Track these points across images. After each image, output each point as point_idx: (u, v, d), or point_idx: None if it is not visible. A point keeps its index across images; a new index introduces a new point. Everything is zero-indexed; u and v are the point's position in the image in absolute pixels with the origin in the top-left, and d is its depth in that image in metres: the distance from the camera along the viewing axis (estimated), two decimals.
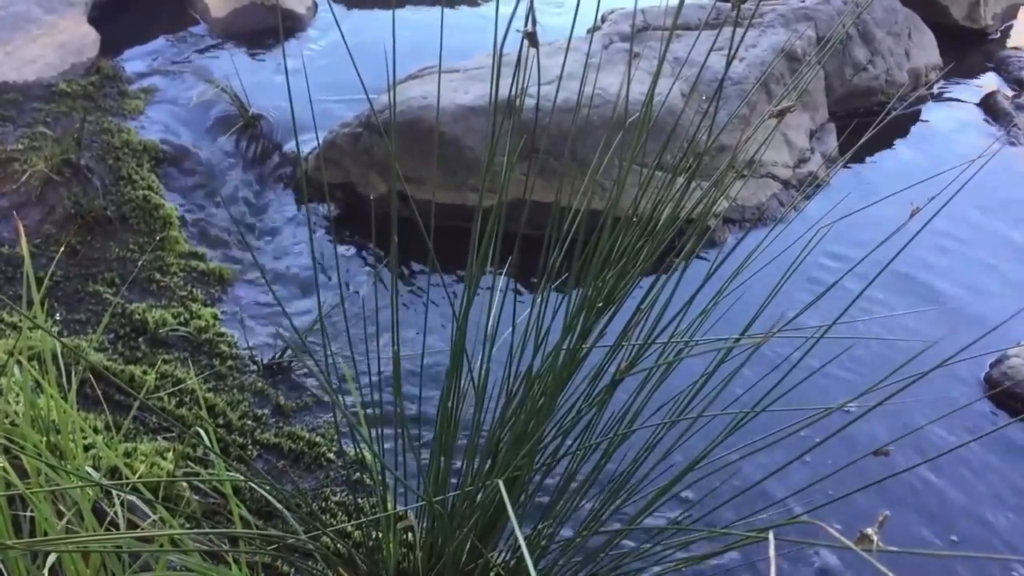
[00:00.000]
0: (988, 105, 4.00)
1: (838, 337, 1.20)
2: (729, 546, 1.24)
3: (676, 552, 1.40)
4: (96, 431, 1.78)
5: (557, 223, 1.25)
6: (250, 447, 1.96)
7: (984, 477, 2.17)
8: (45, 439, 1.35)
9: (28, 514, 1.31)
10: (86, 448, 1.57)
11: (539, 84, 1.06)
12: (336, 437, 1.99)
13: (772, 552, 0.61)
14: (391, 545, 1.48)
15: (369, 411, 1.85)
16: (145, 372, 2.04)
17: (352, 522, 1.77)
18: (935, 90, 4.18)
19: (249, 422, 2.02)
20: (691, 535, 1.42)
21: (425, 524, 1.50)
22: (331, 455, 1.98)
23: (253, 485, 1.70)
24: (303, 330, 2.39)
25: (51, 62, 3.21)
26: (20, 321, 1.96)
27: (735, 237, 2.96)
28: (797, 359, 1.24)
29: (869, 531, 0.67)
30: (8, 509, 1.25)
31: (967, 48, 4.66)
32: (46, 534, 1.17)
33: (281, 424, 2.06)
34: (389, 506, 1.54)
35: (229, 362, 2.19)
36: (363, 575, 1.48)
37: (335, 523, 1.79)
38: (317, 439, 2.01)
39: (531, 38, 0.87)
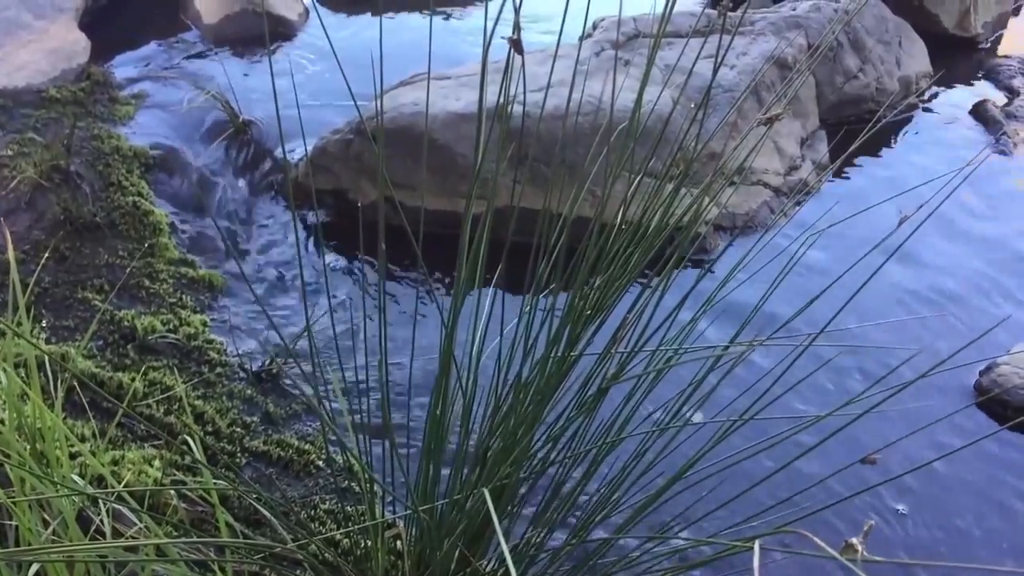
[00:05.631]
0: (979, 113, 4.01)
1: (827, 345, 1.20)
2: (717, 555, 1.24)
3: (663, 561, 1.39)
4: (83, 439, 1.77)
5: (546, 230, 1.24)
6: (239, 454, 1.95)
7: (972, 484, 2.17)
8: (30, 447, 1.34)
9: (14, 523, 1.30)
10: (73, 456, 1.56)
11: (525, 91, 1.06)
12: (324, 445, 1.98)
13: (756, 563, 0.60)
14: (379, 553, 1.47)
15: (357, 419, 1.85)
16: (133, 379, 2.02)
17: (340, 530, 1.76)
18: (926, 98, 4.20)
19: (238, 429, 2.01)
20: (677, 545, 1.42)
21: (414, 532, 1.49)
22: (320, 462, 1.97)
23: (241, 493, 1.70)
24: (290, 340, 2.38)
25: (41, 68, 3.20)
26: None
27: (727, 244, 2.96)
28: (785, 367, 1.24)
29: (854, 540, 0.67)
30: None
31: (958, 56, 4.68)
32: (29, 544, 1.16)
33: (270, 431, 2.05)
34: (377, 514, 1.53)
35: (218, 369, 2.18)
36: None
37: (324, 531, 1.78)
38: (306, 446, 2.00)
39: (516, 45, 0.87)
